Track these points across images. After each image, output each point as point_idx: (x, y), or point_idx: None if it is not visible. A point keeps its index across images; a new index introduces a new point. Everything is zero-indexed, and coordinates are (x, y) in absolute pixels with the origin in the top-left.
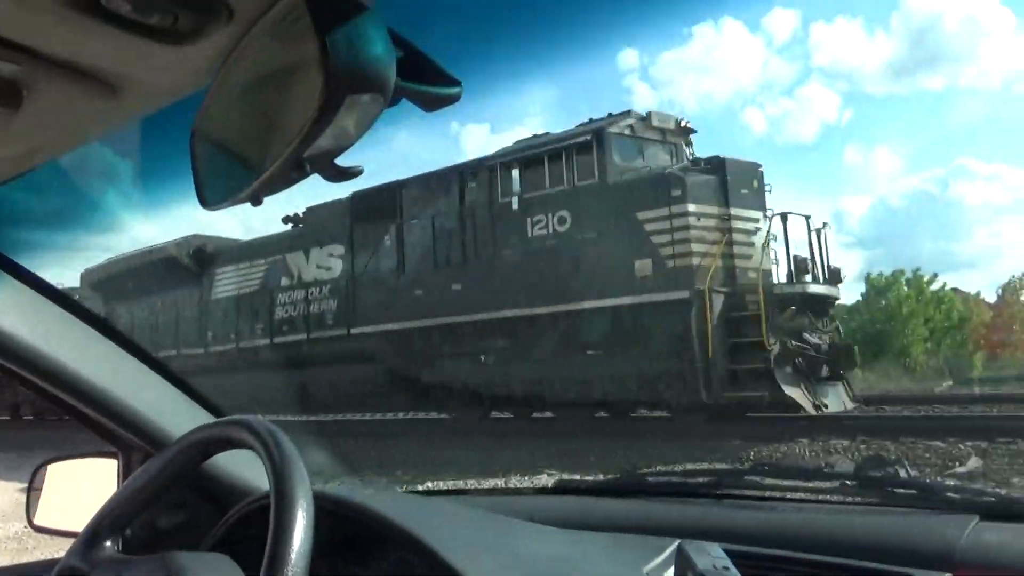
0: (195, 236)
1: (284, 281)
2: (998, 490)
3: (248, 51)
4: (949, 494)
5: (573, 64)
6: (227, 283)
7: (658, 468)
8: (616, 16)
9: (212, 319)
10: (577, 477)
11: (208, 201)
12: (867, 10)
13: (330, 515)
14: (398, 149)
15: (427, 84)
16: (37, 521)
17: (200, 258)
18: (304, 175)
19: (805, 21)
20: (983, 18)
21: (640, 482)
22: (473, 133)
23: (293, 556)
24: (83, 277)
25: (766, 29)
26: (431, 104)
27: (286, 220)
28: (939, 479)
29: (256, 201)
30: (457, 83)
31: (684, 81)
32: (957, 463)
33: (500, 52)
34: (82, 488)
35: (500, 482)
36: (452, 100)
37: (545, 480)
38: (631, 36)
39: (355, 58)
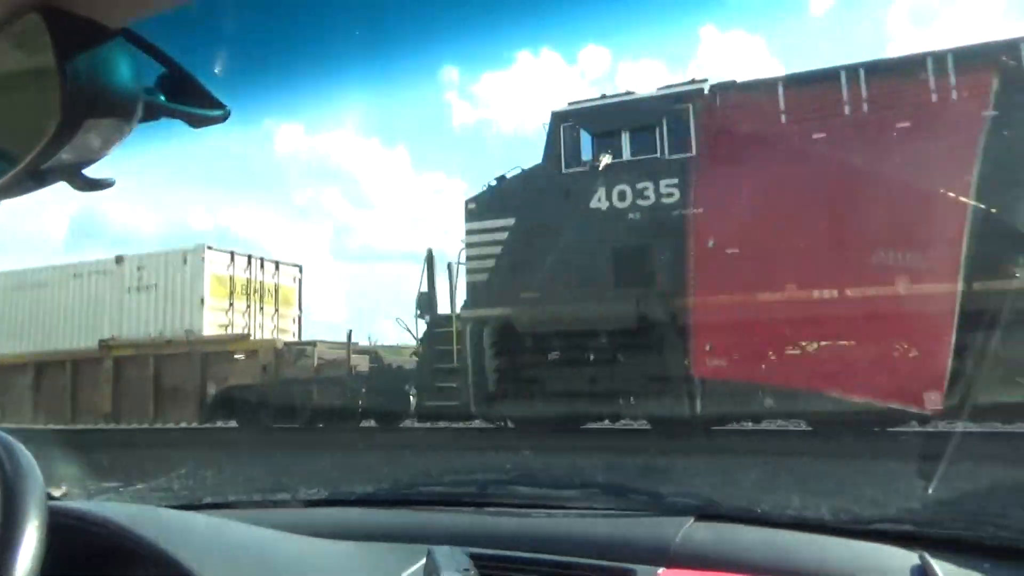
0: None
1: None
2: (711, 494)
3: None
4: (671, 498)
5: (392, 74)
6: None
7: (425, 479)
8: (438, 33)
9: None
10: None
11: None
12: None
13: (72, 530)
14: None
15: (191, 105)
16: None
17: None
18: (44, 184)
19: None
20: None
21: (408, 493)
22: (286, 132)
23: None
24: None
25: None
26: (197, 122)
27: None
28: (666, 486)
29: None
30: (221, 106)
31: (504, 101)
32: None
33: (325, 56)
34: None
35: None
36: (218, 120)
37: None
38: (452, 54)
39: (96, 83)
